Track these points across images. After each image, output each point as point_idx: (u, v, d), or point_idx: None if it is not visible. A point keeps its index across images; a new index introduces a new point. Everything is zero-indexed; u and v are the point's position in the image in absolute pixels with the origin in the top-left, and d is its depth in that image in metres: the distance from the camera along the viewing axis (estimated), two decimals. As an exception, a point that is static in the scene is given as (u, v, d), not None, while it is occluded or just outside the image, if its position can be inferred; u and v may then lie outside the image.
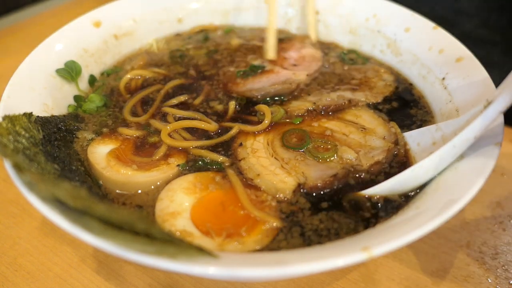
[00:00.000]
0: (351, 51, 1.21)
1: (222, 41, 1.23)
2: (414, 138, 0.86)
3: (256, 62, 1.11)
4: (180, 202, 0.74)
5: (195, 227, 0.70)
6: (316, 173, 0.79)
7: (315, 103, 0.96)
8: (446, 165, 0.72)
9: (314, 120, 0.92)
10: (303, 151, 0.84)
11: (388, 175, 0.79)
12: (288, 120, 0.93)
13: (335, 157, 0.83)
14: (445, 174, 0.72)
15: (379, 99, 1.01)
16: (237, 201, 0.74)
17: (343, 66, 1.14)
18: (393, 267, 0.85)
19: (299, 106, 0.96)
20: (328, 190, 0.78)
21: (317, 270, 0.53)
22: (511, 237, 0.91)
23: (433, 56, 1.02)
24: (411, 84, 1.07)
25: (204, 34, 1.26)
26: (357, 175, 0.80)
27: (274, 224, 0.71)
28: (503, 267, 0.85)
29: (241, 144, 0.86)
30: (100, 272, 0.84)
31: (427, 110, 0.98)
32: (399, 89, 1.05)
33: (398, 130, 0.89)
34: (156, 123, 0.90)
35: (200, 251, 0.54)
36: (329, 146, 0.84)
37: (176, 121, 0.92)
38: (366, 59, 1.18)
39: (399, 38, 1.13)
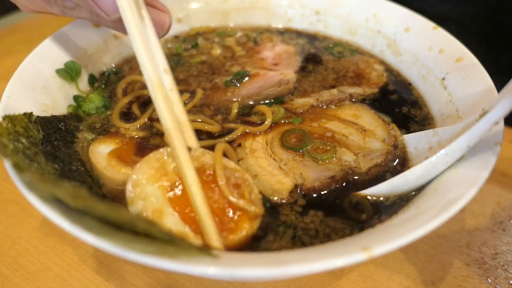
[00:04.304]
0: (337, 44, 1.23)
1: (209, 49, 1.21)
2: (412, 141, 0.86)
3: (236, 69, 1.10)
4: (153, 195, 0.66)
5: (184, 223, 0.65)
6: (314, 174, 0.79)
7: (318, 99, 0.98)
8: (438, 172, 0.73)
9: (314, 120, 0.92)
10: (302, 152, 0.84)
11: (385, 178, 0.79)
12: (288, 120, 0.93)
13: (334, 158, 0.83)
14: (445, 174, 0.72)
15: (375, 90, 1.03)
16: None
17: (334, 60, 1.15)
18: (393, 267, 0.85)
19: (303, 103, 0.97)
20: (326, 191, 0.78)
21: (317, 270, 0.53)
22: (511, 237, 0.91)
23: (433, 56, 1.02)
24: (410, 84, 1.07)
25: (197, 38, 1.25)
26: (355, 177, 0.80)
27: (253, 209, 0.67)
28: (503, 267, 0.85)
29: (239, 145, 0.86)
30: (100, 272, 0.84)
31: (427, 110, 0.98)
32: (397, 90, 1.05)
33: (398, 132, 0.89)
34: (159, 125, 0.90)
35: (200, 251, 0.54)
36: (328, 148, 0.84)
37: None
38: (353, 51, 1.20)
39: (399, 38, 1.13)
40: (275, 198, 0.76)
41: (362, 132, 0.89)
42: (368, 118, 0.93)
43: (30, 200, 0.57)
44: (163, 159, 0.69)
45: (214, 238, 0.63)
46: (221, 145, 0.75)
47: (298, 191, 0.77)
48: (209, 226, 0.63)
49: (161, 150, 0.70)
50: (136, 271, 0.84)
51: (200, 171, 0.69)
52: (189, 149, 0.70)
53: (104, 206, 0.53)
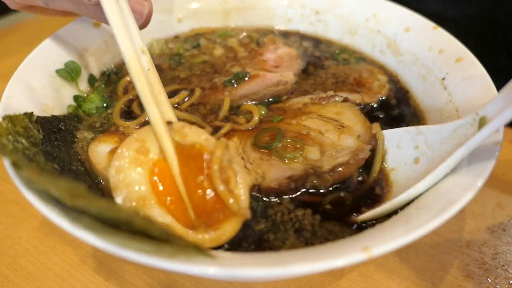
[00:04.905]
0: (343, 51, 1.22)
1: (210, 49, 1.21)
2: (393, 138, 0.83)
3: (237, 69, 1.10)
4: (136, 180, 0.64)
5: (167, 213, 0.63)
6: (275, 174, 0.77)
7: (312, 98, 0.97)
8: (437, 181, 0.71)
9: (294, 118, 0.90)
10: (270, 151, 0.82)
11: (350, 179, 0.79)
12: (268, 119, 0.92)
13: (300, 157, 0.80)
14: (445, 175, 0.72)
15: (375, 100, 1.01)
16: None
17: (337, 66, 1.14)
18: (393, 267, 0.85)
19: (297, 101, 0.97)
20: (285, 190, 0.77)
21: (317, 270, 0.53)
22: (511, 237, 0.91)
23: (433, 56, 1.02)
24: (408, 92, 1.07)
25: (198, 38, 1.25)
26: (317, 176, 0.77)
27: (235, 207, 0.66)
28: (503, 267, 0.85)
29: None
30: (100, 272, 0.84)
31: (427, 111, 0.97)
32: (398, 90, 1.05)
33: (380, 131, 0.84)
34: None
35: (198, 250, 0.54)
36: (298, 145, 0.82)
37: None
38: (358, 59, 1.19)
39: (399, 38, 1.13)
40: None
41: (340, 128, 0.86)
42: (350, 114, 0.89)
43: (30, 200, 0.57)
44: (142, 138, 0.69)
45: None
46: (224, 140, 0.73)
47: (256, 191, 0.77)
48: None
49: (140, 129, 0.71)
50: (136, 271, 0.84)
51: (189, 149, 0.69)
52: (169, 123, 0.72)
53: (103, 202, 0.53)
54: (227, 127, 0.88)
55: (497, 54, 1.40)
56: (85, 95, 1.00)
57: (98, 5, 0.76)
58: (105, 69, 1.10)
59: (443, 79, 0.96)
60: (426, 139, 0.78)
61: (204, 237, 0.63)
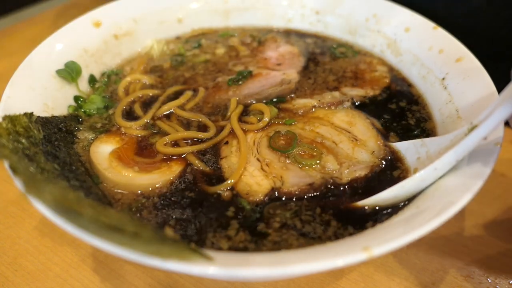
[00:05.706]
0: (341, 45, 1.22)
1: (212, 49, 1.21)
2: (399, 150, 0.84)
3: (239, 68, 1.10)
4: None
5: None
6: (294, 179, 0.78)
7: (319, 100, 0.97)
8: (426, 185, 0.72)
9: (307, 124, 0.91)
10: (287, 155, 0.82)
11: (369, 190, 0.78)
12: (281, 121, 0.92)
13: (317, 165, 0.81)
14: (445, 175, 0.72)
15: (377, 92, 1.03)
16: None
17: (336, 62, 1.15)
18: (393, 267, 0.85)
19: (305, 103, 0.97)
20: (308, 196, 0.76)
21: (317, 270, 0.53)
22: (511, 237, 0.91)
23: (433, 56, 1.02)
24: (410, 85, 1.07)
25: (199, 39, 1.25)
26: (335, 187, 0.78)
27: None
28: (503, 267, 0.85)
29: (226, 142, 0.85)
30: (100, 272, 0.84)
31: (427, 111, 0.97)
32: (398, 90, 1.05)
33: (389, 147, 0.86)
34: (162, 124, 0.91)
35: (194, 252, 0.53)
36: (315, 154, 0.82)
37: (178, 119, 0.93)
38: (356, 52, 1.19)
39: (399, 38, 1.13)
40: (250, 199, 0.75)
41: (353, 141, 0.87)
42: (362, 127, 0.90)
43: (31, 200, 0.57)
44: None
45: None
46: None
47: (276, 194, 0.76)
48: None
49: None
50: (136, 271, 0.84)
51: None
52: None
53: (92, 210, 0.52)
54: (227, 128, 0.88)
55: (497, 55, 1.40)
56: (86, 95, 1.00)
57: None
58: (105, 70, 1.10)
59: (443, 79, 0.96)
60: (428, 151, 0.78)
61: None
